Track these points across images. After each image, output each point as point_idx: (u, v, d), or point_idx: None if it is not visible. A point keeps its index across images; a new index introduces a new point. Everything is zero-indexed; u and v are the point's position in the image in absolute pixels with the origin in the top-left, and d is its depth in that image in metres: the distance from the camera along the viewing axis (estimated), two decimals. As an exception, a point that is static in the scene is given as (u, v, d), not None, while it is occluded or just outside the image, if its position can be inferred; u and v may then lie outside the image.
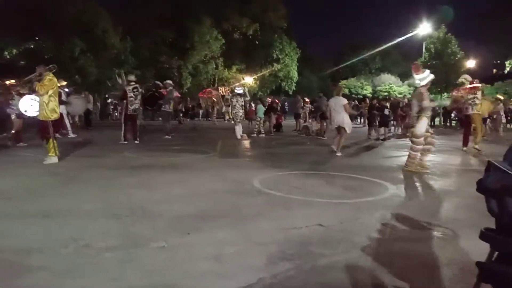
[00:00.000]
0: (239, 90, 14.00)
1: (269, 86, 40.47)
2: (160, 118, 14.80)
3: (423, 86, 7.13)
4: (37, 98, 11.10)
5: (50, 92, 7.18)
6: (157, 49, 32.78)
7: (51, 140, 7.20)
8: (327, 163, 8.13)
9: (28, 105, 11.72)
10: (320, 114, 14.27)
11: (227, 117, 26.68)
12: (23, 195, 4.90)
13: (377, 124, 14.75)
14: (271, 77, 39.53)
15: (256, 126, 15.34)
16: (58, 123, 7.75)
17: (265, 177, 6.26)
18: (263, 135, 14.82)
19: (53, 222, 3.81)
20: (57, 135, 11.82)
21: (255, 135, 14.70)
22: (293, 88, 40.27)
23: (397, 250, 3.27)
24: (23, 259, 2.90)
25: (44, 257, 2.95)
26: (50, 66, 7.58)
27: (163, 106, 13.00)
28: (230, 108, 14.32)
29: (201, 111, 30.83)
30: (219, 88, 36.72)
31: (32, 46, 27.44)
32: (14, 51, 27.80)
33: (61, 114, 12.43)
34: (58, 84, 13.04)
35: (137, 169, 6.96)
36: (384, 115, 14.23)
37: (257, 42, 38.01)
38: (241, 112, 13.73)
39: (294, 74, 40.60)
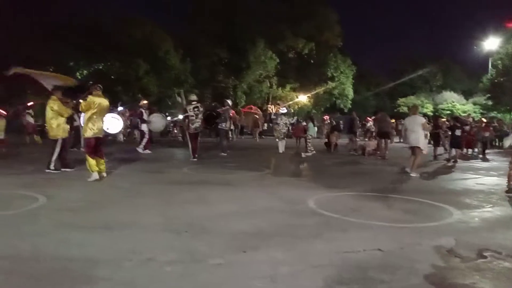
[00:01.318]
0: (283, 110, 15.58)
1: (323, 104, 40.13)
2: (217, 136, 15.23)
3: None
4: (118, 116, 12.00)
5: (91, 111, 7.45)
6: (214, 69, 33.98)
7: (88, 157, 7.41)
8: (385, 185, 7.84)
9: (110, 123, 12.99)
10: (382, 133, 13.76)
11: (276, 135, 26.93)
12: (89, 208, 5.23)
13: (447, 144, 13.85)
14: (325, 95, 39.20)
15: (309, 145, 15.18)
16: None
17: (320, 197, 6.18)
18: (314, 152, 14.57)
19: (117, 235, 4.03)
20: (146, 150, 12.71)
21: (309, 153, 14.56)
22: (349, 105, 39.57)
23: (463, 280, 3.07)
24: (88, 270, 3.09)
25: (109, 269, 3.12)
26: (96, 85, 7.89)
27: (219, 124, 13.37)
28: (276, 126, 15.22)
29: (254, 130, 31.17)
30: (269, 106, 37.06)
31: (101, 67, 29.69)
32: (85, 72, 30.23)
33: (143, 131, 13.18)
34: (140, 103, 14.10)
35: (194, 185, 7.19)
36: (456, 135, 13.22)
37: (312, 61, 38.01)
38: (284, 130, 14.95)
39: (349, 92, 39.95)
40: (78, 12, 27.38)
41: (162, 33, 29.82)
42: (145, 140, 13.12)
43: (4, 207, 5.03)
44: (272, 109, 36.63)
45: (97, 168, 7.34)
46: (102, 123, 7.69)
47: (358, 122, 18.28)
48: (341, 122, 22.29)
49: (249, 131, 32.02)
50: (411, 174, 8.98)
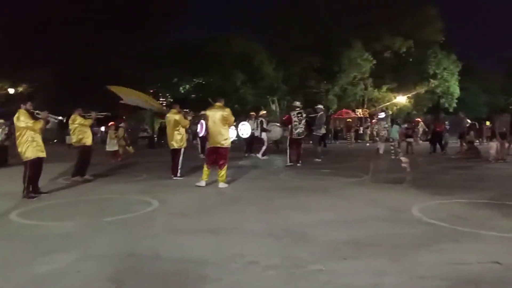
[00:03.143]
0: (381, 115, 16.94)
1: (425, 104, 37.30)
2: (311, 142, 15.23)
3: None
4: (245, 122, 13.33)
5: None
6: (305, 75, 34.04)
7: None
8: (502, 191, 7.05)
9: (242, 129, 15.10)
10: (501, 134, 12.41)
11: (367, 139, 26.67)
12: (196, 212, 5.66)
13: None
14: (427, 94, 36.42)
15: (396, 148, 14.28)
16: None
17: (425, 205, 5.81)
18: (398, 157, 13.61)
19: (222, 238, 4.29)
20: (265, 157, 14.02)
21: (394, 157, 13.70)
22: (454, 104, 36.21)
23: None
24: (200, 270, 3.34)
25: (218, 270, 3.34)
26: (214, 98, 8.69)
27: (315, 130, 13.34)
28: (369, 129, 15.77)
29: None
30: (356, 110, 35.74)
31: (201, 81, 31.85)
32: (187, 86, 32.66)
33: (262, 139, 14.53)
34: (260, 114, 15.57)
35: (292, 191, 7.30)
36: None
37: (410, 60, 35.76)
38: (383, 132, 16.22)
39: (455, 90, 36.48)
40: (182, 34, 30.28)
41: (256, 45, 31.02)
42: (264, 147, 14.48)
43: (125, 211, 5.70)
44: (360, 113, 35.34)
45: (206, 177, 7.87)
46: (219, 134, 7.71)
47: (466, 122, 16.72)
48: (446, 123, 20.68)
49: (344, 135, 31.32)
50: None
